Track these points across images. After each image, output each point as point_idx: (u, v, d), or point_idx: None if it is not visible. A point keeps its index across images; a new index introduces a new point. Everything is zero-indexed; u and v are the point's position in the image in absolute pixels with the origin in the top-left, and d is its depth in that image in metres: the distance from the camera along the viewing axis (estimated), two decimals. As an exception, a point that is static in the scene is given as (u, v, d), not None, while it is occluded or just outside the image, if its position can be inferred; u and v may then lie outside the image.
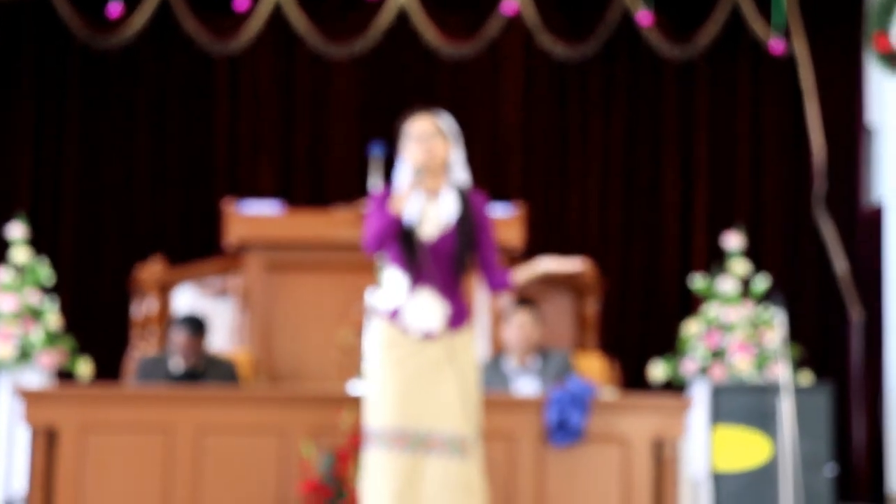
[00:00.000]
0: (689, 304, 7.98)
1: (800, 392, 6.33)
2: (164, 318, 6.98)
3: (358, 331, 6.57)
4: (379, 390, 4.67)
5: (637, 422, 5.39)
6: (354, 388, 5.81)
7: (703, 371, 7.38)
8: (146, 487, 5.32)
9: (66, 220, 8.30)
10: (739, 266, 7.54)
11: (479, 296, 6.51)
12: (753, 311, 7.45)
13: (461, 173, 4.81)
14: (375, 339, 4.74)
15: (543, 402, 5.37)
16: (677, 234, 8.46)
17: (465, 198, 4.76)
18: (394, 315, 4.71)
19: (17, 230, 7.30)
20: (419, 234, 4.68)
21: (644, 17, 8.29)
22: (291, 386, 6.62)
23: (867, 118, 8.35)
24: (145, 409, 5.38)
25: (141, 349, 6.97)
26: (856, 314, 8.16)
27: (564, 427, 5.31)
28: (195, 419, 5.37)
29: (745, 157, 8.51)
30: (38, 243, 7.62)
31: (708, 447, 6.61)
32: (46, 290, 7.37)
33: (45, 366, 7.07)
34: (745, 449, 6.36)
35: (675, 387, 7.50)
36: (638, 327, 8.38)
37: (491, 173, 8.32)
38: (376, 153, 6.37)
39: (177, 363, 6.23)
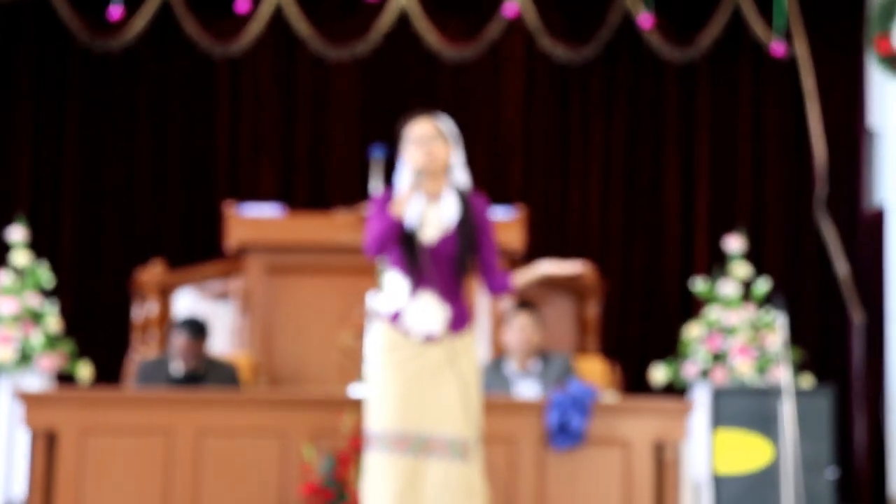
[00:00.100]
0: (690, 306, 7.97)
1: (801, 395, 6.33)
2: (165, 321, 6.97)
3: (359, 334, 6.57)
4: (380, 393, 4.67)
5: (638, 425, 5.39)
6: (355, 390, 5.80)
7: (705, 374, 7.38)
8: (146, 491, 5.31)
9: (67, 223, 8.29)
10: (740, 269, 7.54)
11: (480, 299, 6.50)
12: (755, 313, 7.44)
13: (461, 176, 4.80)
14: (376, 342, 4.74)
15: (544, 405, 5.36)
16: (678, 237, 8.46)
17: (466, 200, 4.75)
18: (395, 318, 4.70)
19: (17, 233, 7.30)
20: (420, 238, 4.68)
21: (645, 19, 8.28)
22: (292, 389, 6.61)
23: (868, 121, 8.35)
24: (145, 413, 5.38)
25: (141, 352, 6.96)
26: (857, 317, 8.15)
27: (565, 430, 5.30)
28: (195, 422, 5.36)
29: (747, 159, 8.50)
30: (38, 246, 7.61)
31: (709, 450, 6.61)
32: (46, 293, 7.36)
33: (46, 369, 7.07)
34: (746, 452, 6.35)
35: (677, 390, 7.49)
36: (639, 330, 8.37)
37: (492, 175, 8.32)
38: (377, 155, 6.38)
39: (177, 366, 6.22)
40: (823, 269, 8.35)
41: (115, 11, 8.10)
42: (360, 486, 4.91)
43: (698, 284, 7.60)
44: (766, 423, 6.33)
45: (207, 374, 6.22)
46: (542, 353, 6.08)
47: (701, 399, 7.13)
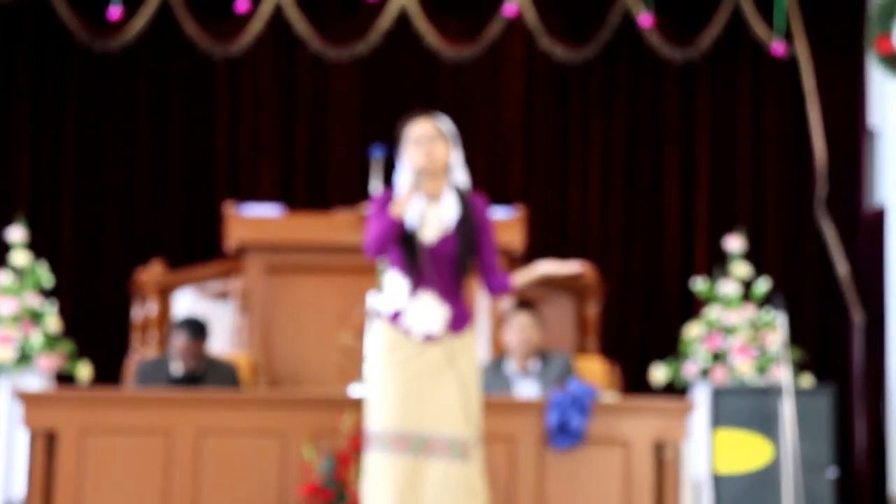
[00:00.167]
0: (691, 306, 7.97)
1: (801, 394, 6.33)
2: (165, 321, 6.97)
3: (359, 333, 6.56)
4: (380, 393, 4.66)
5: (638, 424, 5.39)
6: (355, 390, 5.80)
7: (705, 374, 7.37)
8: (146, 491, 5.31)
9: (66, 223, 8.29)
10: (740, 268, 7.53)
11: (480, 299, 6.50)
12: (755, 313, 7.44)
13: (461, 176, 4.80)
14: (376, 342, 4.74)
15: (544, 405, 5.36)
16: (678, 237, 8.45)
17: (466, 200, 4.75)
18: (395, 318, 4.70)
19: (16, 233, 7.30)
20: (420, 238, 4.67)
21: (645, 19, 8.28)
22: (292, 389, 6.60)
23: (869, 120, 8.34)
24: (145, 413, 5.37)
25: (141, 352, 6.96)
26: (857, 317, 8.15)
27: (565, 430, 5.30)
28: (195, 422, 5.36)
29: (747, 159, 8.50)
30: (37, 246, 7.61)
31: (709, 450, 6.60)
32: (46, 293, 7.36)
33: (45, 369, 7.07)
34: (746, 451, 6.35)
35: (677, 389, 7.49)
36: (639, 330, 8.37)
37: (492, 175, 8.31)
38: (377, 155, 6.38)
39: (177, 366, 6.21)
40: (823, 269, 8.34)
41: (115, 11, 8.09)
42: (360, 486, 4.90)
43: (698, 284, 7.60)
44: (766, 423, 6.33)
45: (207, 374, 6.21)
46: (542, 353, 6.08)
47: (701, 399, 7.13)
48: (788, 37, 8.36)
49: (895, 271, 7.94)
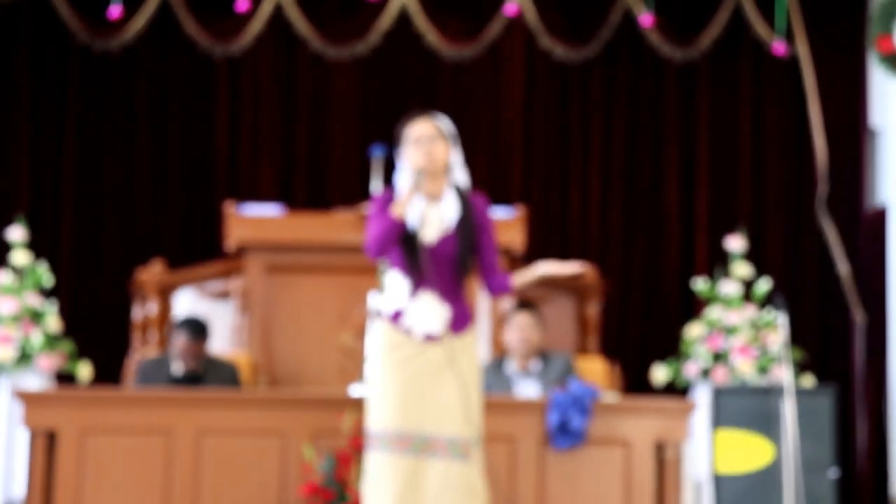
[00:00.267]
0: (691, 306, 7.96)
1: (802, 395, 6.32)
2: (165, 321, 6.96)
3: (359, 333, 6.56)
4: (380, 393, 4.66)
5: (639, 424, 5.38)
6: (356, 390, 5.79)
7: (705, 374, 7.37)
8: (146, 490, 5.31)
9: (66, 223, 8.28)
10: (741, 268, 7.53)
11: (481, 299, 6.49)
12: (755, 313, 7.43)
13: (461, 176, 4.79)
14: (377, 342, 4.73)
15: (545, 405, 5.35)
16: (679, 236, 8.45)
17: (466, 200, 4.74)
18: (395, 318, 4.69)
19: (16, 232, 7.29)
20: (420, 238, 4.67)
21: (646, 18, 8.27)
22: (292, 388, 6.60)
23: (870, 120, 8.34)
24: (145, 412, 5.37)
25: (141, 352, 6.95)
26: (858, 317, 8.14)
27: (566, 430, 5.29)
28: (195, 422, 5.35)
29: (747, 158, 8.49)
30: (37, 246, 7.60)
31: (710, 450, 6.59)
32: (46, 293, 7.35)
33: (45, 368, 7.06)
34: (747, 452, 6.34)
35: (677, 389, 7.48)
36: (639, 330, 8.36)
37: (492, 175, 8.31)
38: (377, 155, 6.38)
39: (177, 366, 6.21)
40: (824, 269, 8.33)
41: (115, 11, 8.09)
42: (360, 486, 4.90)
43: (699, 284, 7.59)
44: (766, 423, 6.32)
45: (207, 373, 6.21)
46: (543, 353, 6.07)
47: (702, 399, 7.12)
48: (789, 36, 8.35)
49: (896, 271, 7.95)
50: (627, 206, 8.49)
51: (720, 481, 6.37)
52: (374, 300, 6.21)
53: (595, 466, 5.34)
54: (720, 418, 6.39)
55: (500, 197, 7.80)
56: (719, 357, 7.36)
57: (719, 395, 6.44)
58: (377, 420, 4.64)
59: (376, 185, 6.28)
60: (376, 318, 4.86)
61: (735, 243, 7.58)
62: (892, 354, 7.89)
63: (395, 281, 4.72)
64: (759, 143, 8.52)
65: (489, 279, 4.80)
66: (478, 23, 8.41)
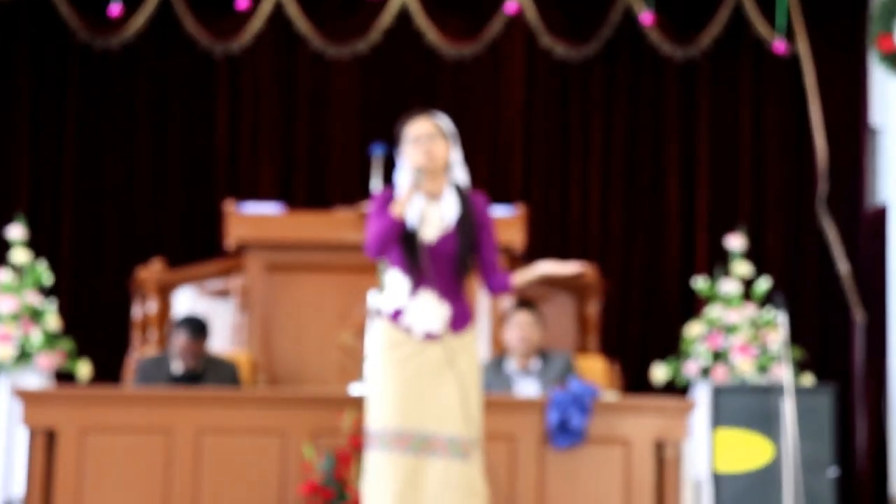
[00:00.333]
0: (691, 305, 7.96)
1: (802, 394, 6.31)
2: (165, 320, 6.96)
3: (359, 332, 6.56)
4: (380, 391, 4.66)
5: (639, 423, 5.38)
6: (355, 389, 5.79)
7: (705, 372, 7.36)
8: (146, 489, 5.30)
9: (66, 221, 8.28)
10: (741, 267, 7.53)
11: (481, 298, 6.49)
12: (755, 312, 7.43)
13: (461, 174, 4.79)
14: (377, 341, 4.73)
15: (544, 404, 5.35)
16: (679, 235, 8.44)
17: (466, 199, 4.74)
18: (395, 316, 4.69)
19: (16, 231, 7.29)
20: (420, 236, 4.66)
21: (646, 17, 8.27)
22: (292, 387, 6.59)
23: (871, 119, 8.33)
24: (145, 411, 5.36)
25: (141, 351, 6.95)
26: (858, 315, 8.14)
27: (566, 428, 5.29)
28: (195, 421, 5.35)
29: (748, 157, 8.49)
30: (37, 244, 7.60)
31: (710, 449, 6.59)
32: (46, 292, 7.35)
33: (45, 367, 7.06)
34: (746, 451, 6.34)
35: (677, 388, 7.48)
36: (639, 329, 8.36)
37: (492, 174, 8.31)
38: (377, 153, 6.38)
39: (177, 365, 6.21)
40: (825, 268, 8.33)
41: (115, 9, 8.09)
42: (360, 484, 4.90)
43: (699, 283, 7.59)
44: (766, 422, 6.31)
45: (207, 372, 6.21)
46: (543, 352, 6.07)
47: (701, 398, 7.12)
48: (790, 35, 8.34)
49: (896, 270, 7.95)
50: (627, 204, 8.49)
51: (720, 480, 6.37)
52: (373, 299, 6.21)
53: (595, 465, 5.34)
54: (720, 417, 6.39)
55: (500, 195, 7.79)
56: (719, 356, 7.36)
57: (719, 393, 6.44)
58: (377, 419, 4.64)
59: (376, 184, 6.28)
60: (376, 316, 4.86)
61: (735, 242, 7.58)
62: (892, 354, 7.89)
63: (394, 280, 4.71)
64: (760, 142, 8.51)
65: (489, 278, 4.80)
66: (478, 21, 8.41)
